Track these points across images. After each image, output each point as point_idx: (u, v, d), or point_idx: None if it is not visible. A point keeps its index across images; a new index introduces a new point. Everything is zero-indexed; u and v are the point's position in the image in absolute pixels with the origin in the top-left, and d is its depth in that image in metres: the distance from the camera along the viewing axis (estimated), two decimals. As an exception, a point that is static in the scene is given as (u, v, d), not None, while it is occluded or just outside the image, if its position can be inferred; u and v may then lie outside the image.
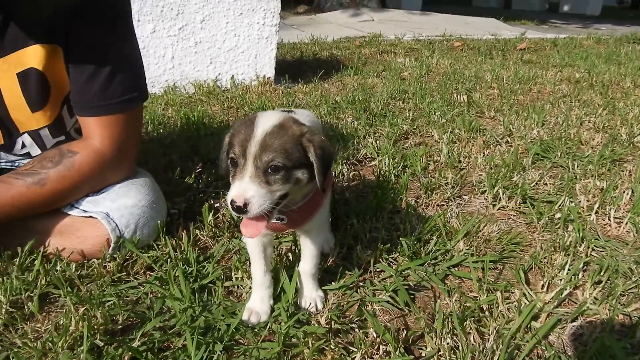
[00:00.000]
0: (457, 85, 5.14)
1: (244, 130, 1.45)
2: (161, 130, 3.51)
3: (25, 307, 1.74)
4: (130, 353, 1.51)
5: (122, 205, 2.03)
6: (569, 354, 1.59)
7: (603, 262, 2.02)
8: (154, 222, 2.10)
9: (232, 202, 1.37)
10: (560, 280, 1.94)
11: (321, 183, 1.47)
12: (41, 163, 1.96)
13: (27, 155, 2.17)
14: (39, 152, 2.15)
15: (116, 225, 2.00)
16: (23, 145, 2.14)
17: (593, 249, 2.16)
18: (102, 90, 1.96)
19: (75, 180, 1.96)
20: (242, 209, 1.37)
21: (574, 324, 1.71)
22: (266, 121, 1.45)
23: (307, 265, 1.78)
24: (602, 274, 1.96)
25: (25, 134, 2.10)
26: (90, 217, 2.00)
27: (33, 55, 1.91)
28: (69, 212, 2.03)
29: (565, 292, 1.85)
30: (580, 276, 1.96)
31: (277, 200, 1.44)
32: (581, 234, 2.20)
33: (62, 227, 2.01)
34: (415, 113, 4.13)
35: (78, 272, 1.93)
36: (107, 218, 1.99)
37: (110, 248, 2.00)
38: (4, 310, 1.70)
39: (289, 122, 1.47)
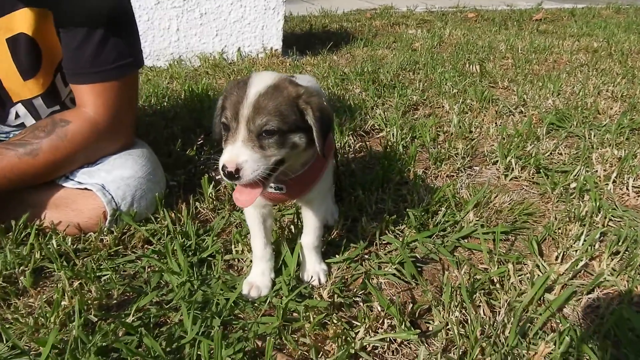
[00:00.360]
0: (469, 56, 4.98)
1: (236, 92, 1.35)
2: (165, 104, 3.42)
3: (19, 281, 1.69)
4: (124, 329, 1.45)
5: (118, 177, 1.96)
6: (584, 326, 1.50)
7: (621, 232, 1.92)
8: (151, 194, 2.03)
9: (224, 167, 1.29)
10: (576, 251, 1.85)
11: (321, 148, 1.38)
12: (33, 133, 1.89)
13: (22, 125, 2.10)
14: (34, 122, 2.08)
15: (112, 197, 1.93)
16: (17, 116, 2.07)
17: (610, 219, 2.05)
18: (94, 57, 1.88)
19: (68, 151, 1.89)
20: (234, 175, 1.28)
21: (589, 295, 1.62)
22: (260, 82, 1.35)
23: (309, 238, 1.70)
24: (620, 244, 1.86)
25: (19, 104, 2.03)
26: (86, 189, 1.94)
27: (22, 20, 1.82)
28: (64, 184, 1.96)
29: (581, 264, 1.76)
30: (596, 247, 1.87)
31: (273, 166, 1.35)
32: (598, 204, 2.09)
33: (57, 200, 1.96)
34: (426, 84, 4.00)
35: (74, 246, 1.88)
36: (102, 190, 1.93)
37: (107, 221, 1.94)
38: (-4, 284, 1.65)
39: (284, 83, 1.37)
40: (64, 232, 1.93)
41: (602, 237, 1.94)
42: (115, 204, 1.94)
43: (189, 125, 2.97)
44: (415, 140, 2.89)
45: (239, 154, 1.30)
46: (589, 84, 4.00)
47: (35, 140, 1.87)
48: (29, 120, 2.09)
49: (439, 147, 2.79)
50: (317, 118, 1.35)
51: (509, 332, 1.43)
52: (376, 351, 1.43)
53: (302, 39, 5.82)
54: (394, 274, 1.74)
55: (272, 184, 1.51)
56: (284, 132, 1.33)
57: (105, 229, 1.95)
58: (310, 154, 1.49)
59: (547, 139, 2.89)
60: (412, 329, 1.46)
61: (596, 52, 5.37)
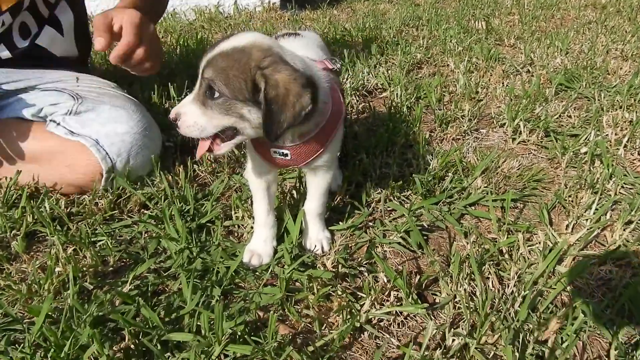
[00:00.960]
0: (474, 11, 4.83)
1: (214, 45, 1.30)
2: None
3: (11, 246, 1.63)
4: (121, 298, 1.40)
5: (112, 132, 1.88)
6: (596, 300, 1.46)
7: (634, 200, 1.86)
8: (147, 150, 1.95)
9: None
10: (587, 220, 1.79)
11: (268, 132, 1.25)
12: None
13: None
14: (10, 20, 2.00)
15: (106, 153, 1.86)
16: (2, 24, 1.99)
17: (622, 187, 1.99)
18: None
19: None
20: (174, 123, 1.32)
21: (602, 267, 1.57)
22: (231, 41, 1.27)
23: (313, 204, 1.63)
24: (632, 213, 1.80)
25: (6, 13, 1.97)
26: (78, 142, 1.86)
27: None
28: (54, 131, 1.89)
29: (593, 234, 1.71)
30: (608, 216, 1.81)
31: (218, 130, 1.31)
32: (610, 170, 2.02)
33: (49, 154, 1.88)
34: (430, 41, 3.87)
35: (67, 210, 1.81)
36: (96, 145, 1.85)
37: (103, 179, 1.87)
38: (-13, 250, 1.59)
39: (253, 49, 1.24)
40: (59, 191, 1.88)
41: (613, 206, 1.88)
42: (111, 160, 1.86)
43: (184, 82, 2.86)
44: (420, 100, 2.80)
45: (183, 105, 1.31)
46: (597, 42, 3.88)
47: None
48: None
49: (444, 108, 2.70)
50: (268, 97, 1.21)
51: (519, 306, 1.39)
52: (381, 323, 1.39)
53: (301, -8, 5.62)
54: (399, 243, 1.68)
55: (276, 149, 1.43)
56: (229, 98, 1.24)
57: (102, 188, 1.88)
58: (308, 126, 1.40)
59: (556, 101, 2.80)
60: (419, 301, 1.42)
61: (604, 8, 5.22)
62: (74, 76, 2.11)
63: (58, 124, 1.90)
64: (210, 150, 1.36)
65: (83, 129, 1.89)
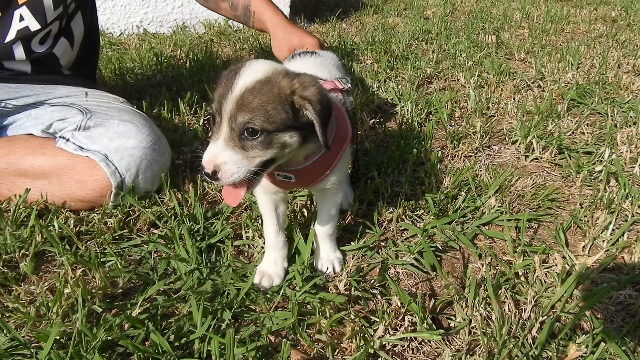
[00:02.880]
0: (484, 25, 4.81)
1: (225, 82, 1.23)
2: (169, 74, 3.30)
3: (19, 266, 1.61)
4: (130, 322, 1.37)
5: (122, 147, 1.87)
6: (616, 326, 1.42)
7: (651, 221, 1.82)
8: (157, 165, 1.94)
9: (202, 167, 1.21)
10: (604, 241, 1.75)
11: (325, 141, 1.25)
12: None
13: (24, 35, 2.02)
14: (38, 26, 2.01)
15: (116, 168, 1.85)
16: (21, 18, 1.99)
17: (638, 207, 1.95)
18: None
19: None
20: (211, 176, 1.20)
21: (621, 292, 1.53)
22: (250, 74, 1.22)
23: (324, 226, 1.61)
24: (650, 235, 1.76)
25: (23, 6, 1.97)
26: (87, 157, 1.86)
27: None
28: (63, 147, 1.88)
29: (610, 255, 1.67)
30: (625, 237, 1.77)
31: (258, 167, 1.25)
32: (627, 190, 1.98)
33: (59, 170, 1.87)
34: (440, 55, 3.85)
35: (76, 229, 1.79)
36: (105, 160, 1.85)
37: (112, 194, 1.86)
38: (-4, 270, 1.57)
39: (277, 77, 1.23)
40: (69, 207, 1.87)
41: (630, 227, 1.84)
42: (120, 175, 1.86)
43: (194, 97, 2.86)
44: (431, 116, 2.77)
45: (218, 154, 1.21)
46: (608, 57, 3.84)
47: None
48: (34, 24, 2.01)
49: (455, 124, 2.68)
50: (318, 112, 1.22)
51: (537, 332, 1.35)
52: (395, 349, 1.35)
53: (310, 5, 5.63)
54: (412, 264, 1.65)
55: (280, 173, 1.41)
56: (270, 132, 1.21)
57: (111, 204, 1.87)
58: (314, 146, 1.36)
59: (569, 117, 2.77)
60: (433, 326, 1.38)
61: (615, 21, 5.19)
62: (82, 91, 2.12)
63: (67, 140, 1.90)
64: (250, 186, 1.30)
65: (92, 144, 1.88)
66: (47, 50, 2.11)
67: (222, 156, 1.21)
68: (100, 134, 1.90)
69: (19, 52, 2.04)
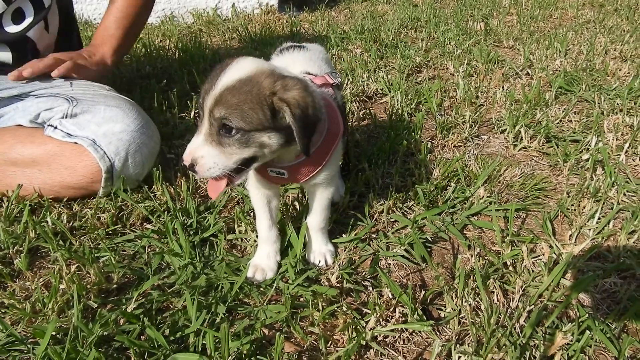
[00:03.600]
0: (472, 12, 4.82)
1: (210, 78, 1.27)
2: (158, 65, 3.29)
3: (14, 262, 1.62)
4: (125, 318, 1.39)
5: (110, 131, 1.88)
6: (602, 313, 1.46)
7: (637, 209, 1.86)
8: (146, 148, 1.95)
9: (183, 160, 1.26)
10: (590, 230, 1.79)
11: (304, 147, 1.26)
12: None
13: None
14: (4, 5, 2.04)
15: (104, 152, 1.86)
16: None
17: (624, 194, 1.98)
18: None
19: None
20: (189, 169, 1.26)
21: (606, 280, 1.57)
22: (233, 72, 1.24)
23: (315, 219, 1.63)
24: (635, 222, 1.80)
25: None
26: (76, 143, 1.87)
27: None
28: (52, 134, 1.89)
29: (596, 243, 1.71)
30: (611, 225, 1.81)
31: (237, 164, 1.28)
32: (613, 178, 2.02)
33: (48, 157, 1.88)
34: (429, 43, 3.87)
35: (70, 224, 1.80)
36: (93, 145, 1.85)
37: (102, 179, 1.87)
38: (-10, 267, 1.58)
39: (260, 76, 1.24)
40: (62, 194, 1.89)
41: (616, 215, 1.88)
42: (109, 159, 1.86)
43: (184, 89, 2.86)
44: (421, 106, 2.79)
45: (197, 147, 1.26)
46: (596, 43, 3.87)
47: None
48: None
49: (445, 114, 2.70)
50: (297, 117, 1.22)
51: (525, 321, 1.39)
52: (387, 340, 1.38)
53: (299, -7, 5.60)
54: (402, 255, 1.68)
55: (273, 168, 1.43)
56: (247, 131, 1.23)
57: (102, 190, 1.88)
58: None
59: (557, 105, 2.80)
60: (424, 317, 1.41)
61: (602, 6, 5.22)
62: (67, 81, 2.11)
63: (55, 127, 1.91)
64: (230, 183, 1.33)
65: (80, 130, 1.89)
66: (21, 32, 2.11)
67: (200, 150, 1.25)
68: (88, 120, 1.91)
69: None
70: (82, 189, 1.90)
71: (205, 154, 1.25)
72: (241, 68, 1.25)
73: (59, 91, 2.04)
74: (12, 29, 2.09)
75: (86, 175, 1.87)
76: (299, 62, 1.67)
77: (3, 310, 1.45)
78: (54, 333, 1.31)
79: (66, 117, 1.92)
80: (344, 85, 2.92)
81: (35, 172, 1.89)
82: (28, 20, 2.12)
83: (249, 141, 1.25)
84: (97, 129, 1.88)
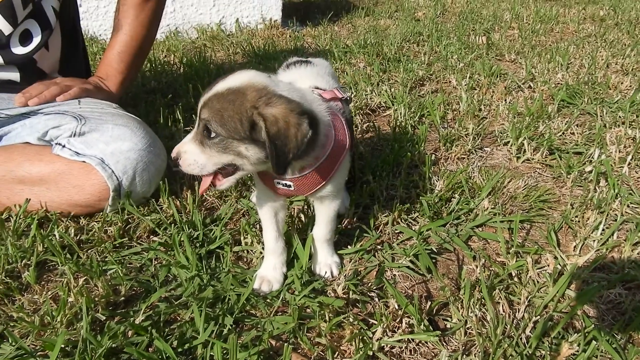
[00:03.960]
0: (474, 26, 4.86)
1: (211, 85, 1.34)
2: (163, 80, 3.32)
3: (22, 276, 1.64)
4: (134, 330, 1.40)
5: (117, 150, 1.90)
6: (607, 324, 1.46)
7: (640, 220, 1.87)
8: (153, 167, 1.97)
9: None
10: (594, 241, 1.80)
11: (276, 166, 1.27)
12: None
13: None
14: (11, 28, 2.06)
15: (112, 171, 1.87)
16: None
17: (627, 206, 2.00)
18: None
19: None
20: (174, 161, 1.37)
21: (611, 291, 1.58)
22: (226, 82, 1.30)
23: (321, 231, 1.64)
24: (639, 234, 1.81)
25: None
26: (84, 162, 1.88)
27: None
28: (60, 153, 1.90)
29: (601, 255, 1.72)
30: (615, 237, 1.82)
31: (217, 168, 1.35)
32: (616, 190, 2.03)
33: (56, 176, 1.89)
34: (431, 57, 3.90)
35: (77, 237, 1.82)
36: (101, 164, 1.87)
37: (110, 197, 1.88)
38: (-1, 280, 1.59)
39: (249, 89, 1.27)
40: (69, 212, 1.91)
41: (620, 226, 1.89)
42: (117, 178, 1.88)
43: (190, 103, 2.88)
44: (424, 119, 2.82)
45: (184, 143, 1.35)
46: (597, 57, 3.90)
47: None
48: (5, 26, 2.05)
49: (448, 126, 2.72)
50: (270, 134, 1.23)
51: (531, 332, 1.39)
52: (393, 351, 1.39)
53: (301, 8, 5.68)
54: (408, 267, 1.69)
55: (279, 180, 1.45)
56: (225, 137, 1.27)
57: (110, 208, 1.90)
58: (307, 160, 1.41)
59: (559, 118, 2.82)
60: (430, 327, 1.42)
61: (603, 20, 5.26)
62: (75, 99, 2.14)
63: (63, 146, 1.92)
64: (213, 185, 1.40)
65: (88, 149, 1.90)
66: (29, 54, 2.15)
67: (185, 146, 1.34)
68: (96, 138, 1.93)
69: None
70: (89, 207, 1.92)
71: (188, 150, 1.33)
72: (234, 79, 1.30)
73: (67, 109, 2.06)
74: (19, 50, 2.12)
75: (94, 193, 1.89)
76: (306, 77, 1.69)
77: (12, 324, 1.46)
78: (63, 345, 1.32)
79: (74, 136, 1.94)
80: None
81: (43, 190, 1.91)
82: (36, 41, 2.15)
83: (227, 148, 1.29)
84: (105, 147, 1.91)
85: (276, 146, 1.24)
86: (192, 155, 1.33)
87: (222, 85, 1.29)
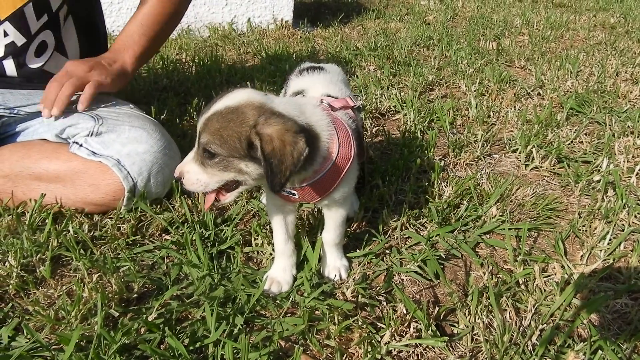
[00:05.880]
0: (484, 31, 4.87)
1: (208, 105, 1.36)
2: (175, 78, 3.35)
3: (37, 270, 1.67)
4: (146, 327, 1.43)
5: (134, 152, 1.93)
6: (613, 334, 1.48)
7: (647, 231, 1.89)
8: (168, 169, 1.99)
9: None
10: (601, 251, 1.81)
11: (271, 184, 1.29)
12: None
13: (12, 49, 2.06)
14: (24, 39, 2.06)
15: (128, 172, 1.90)
16: (5, 34, 2.03)
17: (635, 216, 2.01)
18: None
19: None
20: (178, 180, 1.41)
21: (617, 300, 1.59)
22: (225, 101, 1.32)
23: (330, 235, 1.66)
24: (646, 244, 1.82)
25: (6, 22, 2.00)
26: (100, 162, 1.91)
27: None
28: (77, 152, 1.93)
29: (608, 264, 1.73)
30: (622, 247, 1.83)
31: (220, 184, 1.39)
32: (624, 200, 2.05)
33: (73, 174, 1.92)
34: (441, 62, 3.92)
35: (91, 234, 1.85)
36: (118, 165, 1.90)
37: (125, 197, 1.91)
38: (14, 274, 1.62)
39: (247, 108, 1.30)
40: (83, 210, 1.93)
41: (627, 237, 1.90)
42: (132, 179, 1.91)
43: (201, 102, 2.91)
44: (434, 124, 2.83)
45: (185, 164, 1.39)
46: (607, 65, 3.91)
47: None
48: (19, 39, 2.06)
49: (457, 132, 2.74)
50: (265, 153, 1.26)
51: (537, 340, 1.41)
52: (401, 355, 1.41)
53: (312, 9, 5.69)
54: (416, 272, 1.71)
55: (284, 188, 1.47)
56: (225, 156, 1.31)
57: (124, 208, 1.93)
58: (306, 174, 1.43)
59: (568, 126, 2.83)
60: (437, 333, 1.44)
61: (613, 28, 5.26)
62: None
63: (80, 145, 1.95)
64: (217, 200, 1.44)
65: (105, 149, 1.93)
66: (40, 67, 2.16)
67: (187, 166, 1.38)
68: (113, 139, 1.96)
69: (10, 68, 2.10)
70: (104, 205, 1.95)
71: (190, 170, 1.37)
72: (233, 98, 1.33)
73: (85, 110, 2.08)
74: (35, 64, 2.14)
75: (109, 193, 1.92)
76: (319, 84, 1.72)
77: (27, 317, 1.49)
78: (77, 340, 1.34)
79: (92, 135, 1.97)
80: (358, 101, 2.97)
81: (59, 187, 1.94)
82: (49, 51, 2.17)
83: (228, 166, 1.33)
84: (121, 148, 1.93)
85: (271, 164, 1.27)
86: (194, 174, 1.37)
87: (220, 104, 1.32)
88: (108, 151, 1.93)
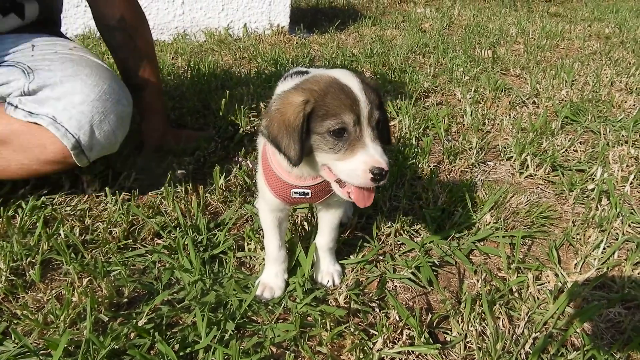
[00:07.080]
0: (480, 39, 4.89)
1: (336, 96, 1.22)
2: (170, 82, 3.34)
3: (27, 274, 1.65)
4: (136, 332, 1.41)
5: (69, 104, 1.79)
6: (606, 343, 1.48)
7: (641, 240, 1.88)
8: (113, 115, 1.86)
9: (379, 169, 1.20)
10: (595, 260, 1.81)
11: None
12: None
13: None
14: None
15: (66, 129, 1.78)
16: None
17: (629, 225, 2.01)
18: None
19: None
20: (383, 177, 1.21)
21: (610, 309, 1.59)
22: (351, 79, 1.25)
23: (324, 239, 1.65)
24: (640, 253, 1.82)
25: None
26: (36, 123, 1.80)
27: None
28: (13, 114, 1.82)
29: (601, 273, 1.73)
30: (616, 256, 1.83)
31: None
32: (618, 209, 2.04)
33: (18, 137, 1.82)
34: (437, 69, 3.92)
35: (82, 237, 1.83)
36: (54, 123, 1.78)
37: (72, 155, 1.81)
38: (3, 277, 1.60)
39: (360, 75, 1.31)
40: (42, 172, 1.89)
41: (621, 245, 1.90)
42: (72, 136, 1.80)
43: (196, 107, 2.90)
44: (429, 131, 2.83)
45: (382, 153, 1.22)
46: (602, 75, 3.93)
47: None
48: None
49: (452, 140, 2.74)
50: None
51: (530, 348, 1.40)
52: (393, 362, 1.40)
53: (309, 15, 5.70)
54: (409, 278, 1.70)
55: (297, 190, 1.45)
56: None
57: (80, 163, 1.87)
58: None
59: (562, 134, 2.84)
60: (430, 340, 1.43)
61: (608, 38, 5.29)
62: (29, 44, 2.03)
63: (16, 106, 1.84)
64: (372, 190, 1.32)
65: (41, 107, 1.82)
66: None
67: (385, 155, 1.22)
68: (47, 95, 1.84)
69: None
70: (60, 163, 1.86)
71: (386, 157, 1.23)
72: (348, 75, 1.28)
73: (19, 59, 1.96)
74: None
75: (56, 152, 1.82)
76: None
77: (15, 321, 1.47)
78: (66, 345, 1.33)
79: (25, 95, 1.86)
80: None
81: (10, 152, 1.85)
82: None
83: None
84: (56, 103, 1.81)
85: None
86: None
87: (353, 82, 1.24)
88: (43, 109, 1.81)
